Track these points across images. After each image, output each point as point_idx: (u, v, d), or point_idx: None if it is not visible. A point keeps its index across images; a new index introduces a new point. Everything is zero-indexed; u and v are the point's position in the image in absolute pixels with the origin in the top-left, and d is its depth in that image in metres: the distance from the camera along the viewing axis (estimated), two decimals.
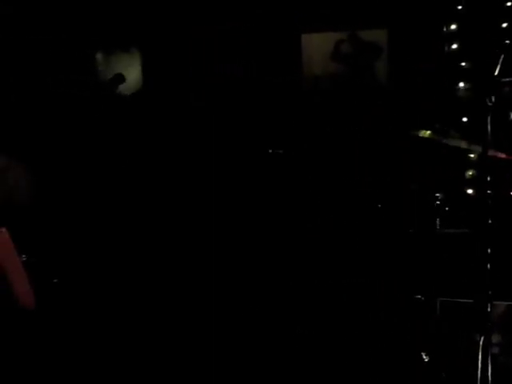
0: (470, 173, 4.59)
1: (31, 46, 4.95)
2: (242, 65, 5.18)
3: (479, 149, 3.49)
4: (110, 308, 4.61)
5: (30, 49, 4.95)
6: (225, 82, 5.17)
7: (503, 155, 3.83)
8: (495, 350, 3.85)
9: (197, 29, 5.15)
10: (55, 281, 4.10)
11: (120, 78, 4.32)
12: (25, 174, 4.15)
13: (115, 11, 5.10)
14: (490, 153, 3.41)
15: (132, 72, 5.19)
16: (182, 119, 5.16)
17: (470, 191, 4.51)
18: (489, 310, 3.34)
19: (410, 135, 4.12)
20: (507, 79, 3.54)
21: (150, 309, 4.73)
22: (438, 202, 4.14)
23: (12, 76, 4.89)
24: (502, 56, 3.33)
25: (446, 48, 4.73)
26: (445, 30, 4.73)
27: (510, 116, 4.48)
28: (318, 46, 5.17)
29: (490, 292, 3.33)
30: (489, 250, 3.32)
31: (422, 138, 3.95)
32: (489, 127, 3.31)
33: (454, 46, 4.70)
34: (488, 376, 3.33)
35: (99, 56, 5.21)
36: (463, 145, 4.00)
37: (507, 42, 3.50)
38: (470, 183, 4.55)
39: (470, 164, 4.59)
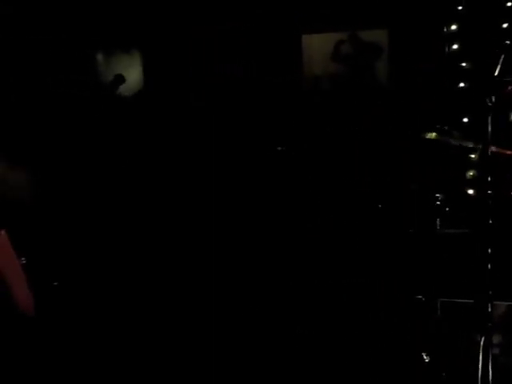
0: (471, 173, 4.59)
1: (31, 46, 4.95)
2: (242, 65, 5.18)
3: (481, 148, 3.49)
4: (110, 311, 4.60)
5: (30, 49, 4.94)
6: (225, 82, 5.17)
7: (509, 152, 3.83)
8: (496, 351, 3.84)
9: (197, 29, 5.15)
10: (55, 284, 4.09)
11: (120, 79, 4.32)
12: (24, 176, 4.14)
13: (115, 11, 5.10)
14: (495, 149, 3.42)
15: (132, 73, 5.19)
16: (182, 119, 5.16)
17: (470, 191, 4.51)
18: (489, 310, 3.33)
19: (412, 136, 4.12)
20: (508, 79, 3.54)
21: (151, 311, 4.72)
22: (438, 203, 4.14)
23: (12, 76, 4.89)
24: (503, 56, 3.33)
25: (447, 48, 4.73)
26: (445, 30, 4.73)
27: (510, 116, 4.48)
28: (318, 46, 5.17)
29: (490, 292, 3.33)
30: (489, 251, 3.32)
31: (428, 139, 3.96)
32: (489, 127, 3.31)
33: (455, 47, 4.70)
34: (489, 376, 3.33)
35: (99, 57, 5.21)
36: (469, 145, 4.01)
37: (507, 42, 3.50)
38: (471, 183, 4.55)
39: (471, 164, 4.59)
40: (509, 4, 4.50)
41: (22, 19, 4.95)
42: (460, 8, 4.68)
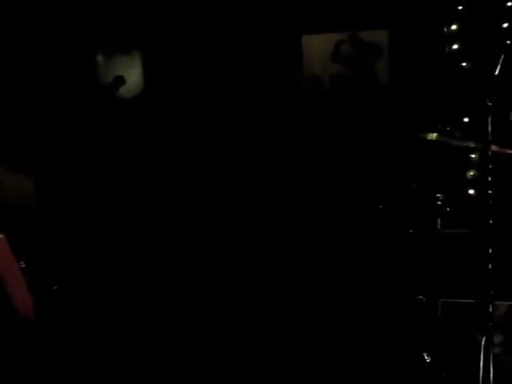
0: (472, 173, 4.59)
1: (31, 46, 4.94)
2: (242, 65, 5.18)
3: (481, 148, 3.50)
4: (110, 315, 4.59)
5: (30, 49, 4.94)
6: (225, 82, 5.17)
7: (510, 151, 3.83)
8: (497, 351, 3.85)
9: (197, 29, 5.15)
10: (55, 288, 4.07)
11: (120, 80, 4.32)
12: (23, 178, 4.12)
13: (115, 12, 5.10)
14: (496, 149, 3.42)
15: (132, 73, 5.18)
16: (182, 120, 5.16)
17: (471, 191, 4.51)
18: (490, 310, 3.33)
19: (413, 136, 4.12)
20: None
21: (151, 314, 4.72)
22: (439, 203, 4.14)
23: (12, 76, 4.88)
24: (503, 56, 3.33)
25: (447, 48, 4.73)
26: (445, 30, 4.73)
27: (510, 116, 4.48)
28: (318, 46, 5.17)
29: (491, 292, 3.33)
30: (490, 250, 3.32)
31: (430, 140, 3.96)
32: (489, 127, 3.31)
33: (455, 47, 4.69)
34: (490, 376, 3.33)
35: (99, 58, 5.21)
36: (466, 145, 4.01)
37: (508, 42, 3.50)
38: (472, 183, 4.55)
39: (472, 164, 4.59)
40: (509, 4, 4.50)
41: (21, 19, 4.95)
42: (460, 8, 4.68)
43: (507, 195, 4.14)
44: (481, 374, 3.36)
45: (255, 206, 5.01)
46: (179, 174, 5.10)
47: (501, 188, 3.64)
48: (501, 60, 3.34)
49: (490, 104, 3.32)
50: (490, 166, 3.40)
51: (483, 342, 3.34)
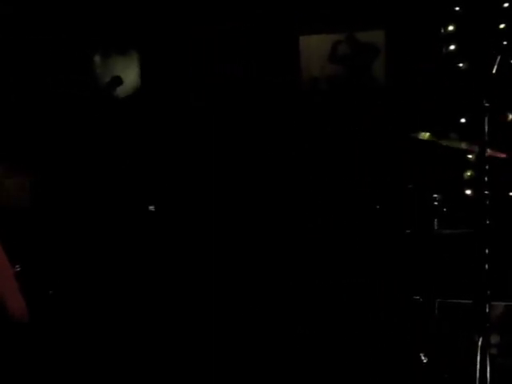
0: (469, 173, 4.59)
1: (28, 46, 4.94)
2: (241, 65, 5.18)
3: (478, 149, 3.50)
4: (107, 318, 4.57)
5: (26, 49, 4.94)
6: (225, 82, 5.17)
7: (503, 155, 3.83)
8: (494, 351, 3.84)
9: (197, 29, 5.15)
10: (50, 292, 4.04)
11: (117, 81, 4.32)
12: (20, 179, 4.10)
13: (116, 12, 5.10)
14: (490, 153, 3.42)
15: (132, 73, 5.18)
16: (182, 119, 5.16)
17: (468, 192, 4.52)
18: (487, 310, 3.34)
19: (409, 136, 4.12)
20: None
21: (148, 318, 4.71)
22: (436, 203, 4.14)
23: (10, 76, 4.88)
24: (499, 57, 3.33)
25: (444, 49, 4.73)
26: (442, 31, 4.74)
27: (508, 116, 4.48)
28: (315, 47, 5.17)
29: (488, 293, 3.34)
30: (487, 251, 3.33)
31: (422, 140, 3.96)
32: (486, 128, 3.31)
33: (452, 47, 4.70)
34: (487, 377, 3.33)
35: (100, 58, 5.20)
36: (463, 146, 4.01)
37: (504, 43, 3.51)
38: (468, 184, 4.55)
39: (469, 165, 4.59)
40: (506, 5, 4.51)
41: (22, 19, 4.95)
42: (457, 9, 4.68)
43: (504, 195, 4.14)
44: (477, 374, 3.36)
45: (255, 205, 5.01)
46: (179, 174, 5.10)
47: (498, 188, 3.64)
48: (497, 61, 3.34)
49: (486, 105, 3.32)
50: (487, 167, 3.40)
51: (480, 343, 3.35)
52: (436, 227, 4.09)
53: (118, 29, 5.13)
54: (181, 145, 5.13)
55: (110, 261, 4.77)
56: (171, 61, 5.22)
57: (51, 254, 4.33)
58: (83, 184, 4.88)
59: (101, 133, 4.95)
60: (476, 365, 3.37)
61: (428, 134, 3.92)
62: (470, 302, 3.82)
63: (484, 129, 3.31)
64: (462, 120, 4.55)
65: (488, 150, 3.34)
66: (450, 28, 4.70)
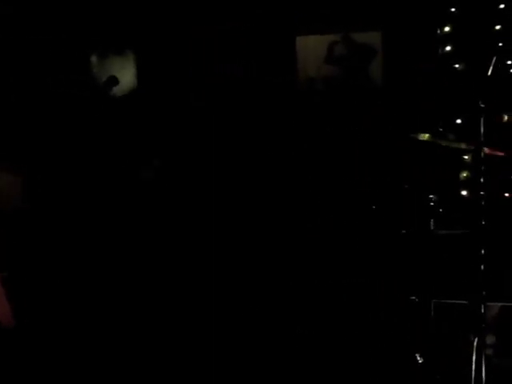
0: (464, 174, 4.60)
1: (26, 45, 4.93)
2: (241, 65, 5.18)
3: (474, 150, 3.51)
4: (104, 321, 4.54)
5: (22, 49, 4.93)
6: (222, 82, 5.17)
7: (501, 153, 3.84)
8: (489, 351, 3.85)
9: (197, 29, 5.15)
10: (38, 296, 3.97)
11: (113, 81, 4.32)
12: (13, 181, 4.04)
13: (116, 12, 5.09)
14: (488, 151, 3.43)
15: (131, 73, 5.18)
16: (181, 119, 5.15)
17: (464, 192, 4.52)
18: (483, 311, 3.34)
19: (406, 137, 4.13)
20: None
21: (148, 319, 4.69)
22: (432, 203, 4.15)
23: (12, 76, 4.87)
24: (495, 58, 3.34)
25: (440, 50, 4.74)
26: (439, 32, 4.74)
27: (503, 117, 4.49)
28: (312, 48, 5.18)
29: (483, 293, 3.34)
30: (482, 251, 3.33)
31: (421, 140, 3.97)
32: (482, 128, 3.32)
33: (448, 48, 4.71)
34: (482, 377, 3.34)
35: (96, 58, 5.20)
36: (460, 146, 4.02)
37: (500, 44, 3.52)
38: (464, 184, 4.56)
39: (465, 165, 4.60)
40: (501, 6, 4.52)
41: (21, 19, 4.94)
42: (453, 10, 4.69)
43: (500, 196, 4.15)
44: (473, 374, 3.36)
45: (254, 206, 5.01)
46: (178, 174, 5.10)
47: (493, 189, 3.65)
48: (493, 62, 3.35)
49: (482, 105, 3.33)
50: (483, 168, 3.41)
51: (475, 343, 3.35)
52: (432, 228, 4.10)
53: (118, 29, 5.12)
54: (179, 144, 5.12)
55: (107, 262, 4.76)
56: (170, 61, 5.22)
57: (43, 256, 4.28)
58: (81, 185, 4.87)
59: (98, 133, 4.95)
60: (471, 365, 3.37)
61: (428, 135, 3.93)
62: (466, 302, 3.83)
63: (480, 129, 3.32)
64: (458, 120, 4.56)
65: (485, 149, 3.35)
66: (447, 29, 4.70)
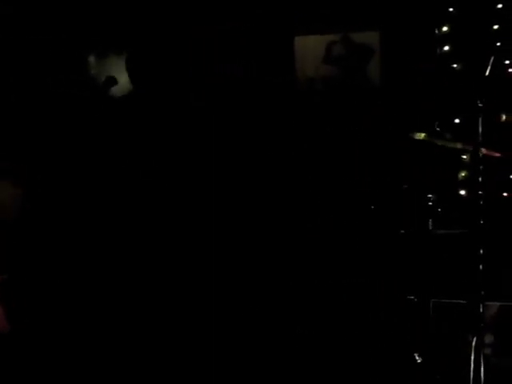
0: (463, 174, 4.60)
1: (29, 46, 4.93)
2: (236, 65, 5.18)
3: (472, 149, 3.51)
4: (95, 327, 4.51)
5: (26, 49, 4.93)
6: (221, 82, 5.17)
7: (498, 154, 3.84)
8: (488, 351, 3.85)
9: (197, 29, 5.15)
10: (35, 300, 3.94)
11: (112, 81, 4.32)
12: (9, 186, 3.99)
13: (114, 12, 5.09)
14: (485, 151, 3.44)
15: (125, 74, 5.18)
16: (181, 119, 5.15)
17: (462, 192, 4.53)
18: (481, 310, 3.35)
19: (404, 137, 4.13)
20: None
21: (148, 320, 4.69)
22: (430, 203, 4.15)
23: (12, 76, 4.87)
24: (493, 58, 3.35)
25: (438, 50, 4.74)
26: (437, 32, 4.75)
27: (501, 117, 4.49)
28: (310, 47, 5.18)
29: (482, 293, 3.34)
30: (481, 251, 3.34)
31: (420, 140, 3.97)
32: (480, 128, 3.33)
33: (446, 48, 4.72)
34: (481, 376, 3.34)
35: (96, 58, 5.19)
36: (457, 146, 4.02)
37: (498, 44, 3.53)
38: (463, 184, 4.56)
39: (463, 165, 4.60)
40: (499, 6, 4.53)
41: (22, 19, 4.94)
42: (451, 10, 4.70)
43: (498, 196, 4.15)
44: (471, 374, 3.37)
45: (250, 204, 5.01)
46: (178, 174, 5.09)
47: (492, 189, 3.65)
48: (491, 61, 3.36)
49: (480, 105, 3.33)
50: (481, 167, 3.41)
51: (474, 343, 3.36)
52: (431, 227, 4.10)
53: (117, 29, 5.12)
54: (179, 144, 5.12)
55: (107, 264, 4.75)
56: (169, 61, 5.22)
57: (44, 259, 4.26)
58: (78, 185, 4.86)
59: (98, 133, 4.95)
60: (470, 365, 3.38)
61: (424, 134, 3.93)
62: (465, 302, 3.83)
63: (478, 129, 3.33)
64: (457, 120, 4.56)
65: (483, 150, 3.35)
66: (445, 29, 4.71)
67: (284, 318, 4.71)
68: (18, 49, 4.95)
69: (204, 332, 4.67)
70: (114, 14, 5.10)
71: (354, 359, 4.35)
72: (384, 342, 4.30)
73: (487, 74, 3.33)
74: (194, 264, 4.91)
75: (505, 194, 4.40)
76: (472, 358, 3.35)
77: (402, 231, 4.15)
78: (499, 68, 3.38)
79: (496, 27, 4.49)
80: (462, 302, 3.87)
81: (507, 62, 4.42)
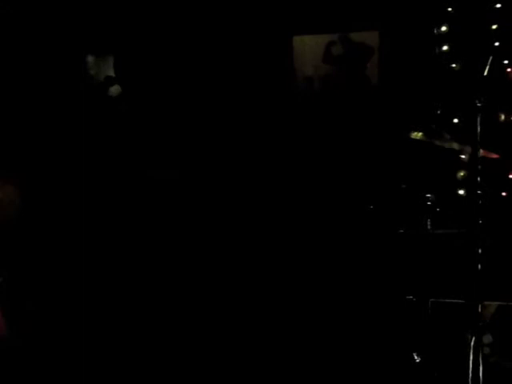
0: (461, 174, 4.61)
1: (28, 46, 4.93)
2: (235, 65, 5.18)
3: (470, 150, 3.51)
4: (93, 329, 4.51)
5: (26, 49, 4.93)
6: (219, 82, 5.17)
7: (495, 155, 3.85)
8: (486, 351, 3.86)
9: (195, 29, 5.16)
10: (30, 303, 3.93)
11: (110, 81, 4.32)
12: (9, 192, 3.97)
13: (113, 12, 5.10)
14: (482, 153, 3.43)
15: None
16: (179, 119, 5.15)
17: (461, 192, 4.53)
18: (480, 310, 3.35)
19: (402, 136, 4.14)
20: None
21: (147, 321, 4.69)
22: (429, 203, 4.16)
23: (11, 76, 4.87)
24: (491, 57, 3.35)
25: (437, 49, 4.75)
26: (435, 31, 4.75)
27: (500, 117, 4.50)
28: (309, 47, 5.19)
29: (480, 292, 3.35)
30: (479, 251, 3.34)
31: (418, 139, 3.98)
32: (478, 128, 3.32)
33: (445, 48, 4.72)
34: (479, 376, 3.34)
35: (92, 58, 5.20)
36: (455, 146, 4.02)
37: (496, 43, 3.53)
38: (461, 184, 4.57)
39: (462, 165, 4.61)
40: (498, 6, 4.53)
41: (22, 19, 4.94)
42: (450, 9, 4.70)
43: (496, 195, 4.16)
44: (470, 373, 3.37)
45: (248, 204, 5.02)
46: (178, 174, 5.09)
47: (490, 188, 3.66)
48: (489, 61, 3.36)
49: (478, 105, 3.33)
50: (480, 167, 3.41)
51: (472, 342, 3.36)
52: (429, 227, 4.10)
53: (116, 29, 5.12)
54: (179, 144, 5.12)
55: (105, 266, 4.74)
56: (168, 60, 5.22)
57: (41, 262, 4.25)
58: (77, 186, 4.86)
59: (97, 133, 4.95)
60: (469, 364, 3.38)
61: (420, 133, 3.93)
62: (463, 301, 3.83)
63: (476, 129, 3.33)
64: (455, 120, 4.57)
65: (480, 151, 3.35)
66: (443, 29, 4.72)
67: (284, 318, 4.72)
68: (17, 49, 4.95)
69: (204, 332, 4.68)
70: (112, 14, 5.10)
71: (353, 359, 4.35)
72: (383, 341, 4.31)
73: (486, 73, 3.33)
74: (195, 263, 4.91)
75: (503, 194, 4.40)
76: (470, 357, 3.35)
77: (401, 231, 4.15)
78: (498, 68, 3.38)
79: (495, 27, 4.49)
80: (460, 301, 3.87)
81: (506, 61, 4.43)
